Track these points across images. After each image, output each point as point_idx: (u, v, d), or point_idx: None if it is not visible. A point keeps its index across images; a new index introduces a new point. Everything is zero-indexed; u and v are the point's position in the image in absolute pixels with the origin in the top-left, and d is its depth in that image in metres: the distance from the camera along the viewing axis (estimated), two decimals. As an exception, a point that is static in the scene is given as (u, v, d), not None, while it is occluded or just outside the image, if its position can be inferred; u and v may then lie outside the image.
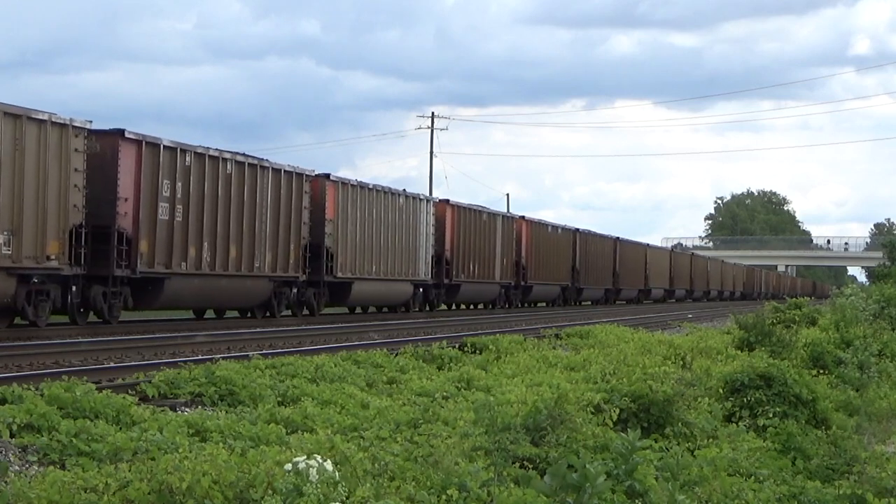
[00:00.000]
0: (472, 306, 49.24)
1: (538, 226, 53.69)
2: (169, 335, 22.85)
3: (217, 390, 12.63)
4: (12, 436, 9.35)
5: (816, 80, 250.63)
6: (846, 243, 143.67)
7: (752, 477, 11.14)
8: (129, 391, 12.42)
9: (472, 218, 45.15)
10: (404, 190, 39.71)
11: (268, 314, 31.98)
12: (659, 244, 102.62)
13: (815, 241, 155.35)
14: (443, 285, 42.86)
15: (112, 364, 16.37)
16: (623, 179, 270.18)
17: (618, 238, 67.10)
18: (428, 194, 42.48)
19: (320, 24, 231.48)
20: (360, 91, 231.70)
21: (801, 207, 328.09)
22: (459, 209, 44.15)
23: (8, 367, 15.08)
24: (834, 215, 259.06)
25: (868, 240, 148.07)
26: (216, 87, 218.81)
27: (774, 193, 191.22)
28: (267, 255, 30.65)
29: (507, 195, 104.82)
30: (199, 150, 27.77)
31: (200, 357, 16.88)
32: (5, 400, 10.64)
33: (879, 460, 13.44)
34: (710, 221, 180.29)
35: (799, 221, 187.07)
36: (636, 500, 8.75)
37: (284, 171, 31.64)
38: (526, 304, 53.81)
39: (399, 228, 38.87)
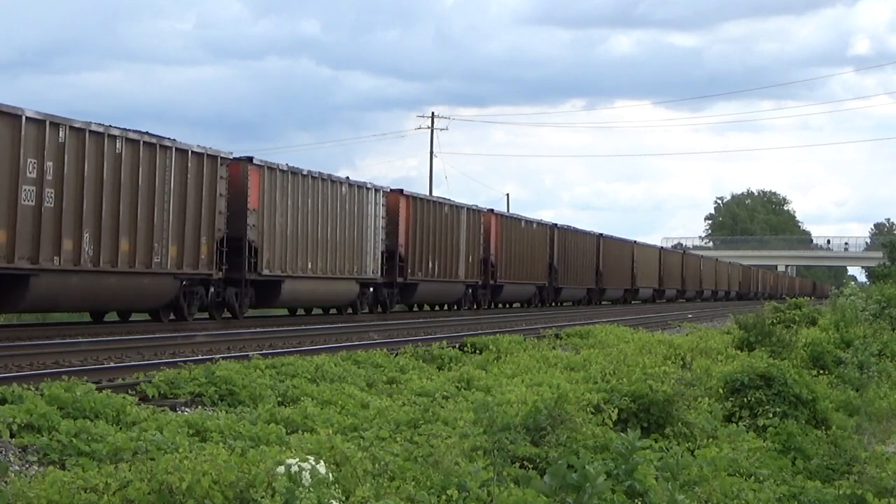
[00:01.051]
0: (435, 307, 45.47)
1: (510, 220, 50.25)
2: (169, 335, 22.85)
3: (217, 390, 12.63)
4: (12, 436, 9.35)
5: (816, 80, 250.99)
6: (846, 243, 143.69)
7: (752, 477, 11.14)
8: (129, 391, 12.42)
9: (430, 210, 41.28)
10: (347, 178, 35.98)
11: (177, 317, 28.18)
12: (657, 243, 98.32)
13: (815, 241, 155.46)
14: (396, 284, 38.90)
15: (112, 364, 16.36)
16: (623, 179, 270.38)
17: (601, 234, 63.67)
18: (376, 183, 37.41)
19: (320, 24, 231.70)
20: (359, 91, 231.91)
21: (801, 207, 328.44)
22: (415, 200, 40.29)
23: (8, 367, 15.07)
24: (834, 215, 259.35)
25: (868, 240, 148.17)
26: (216, 87, 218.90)
27: (774, 193, 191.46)
28: (171, 249, 26.69)
29: (507, 195, 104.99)
30: (78, 125, 23.72)
31: (200, 357, 16.87)
32: (5, 400, 10.63)
33: (879, 460, 13.44)
34: (710, 221, 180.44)
35: (799, 221, 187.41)
36: (636, 500, 8.76)
37: (193, 151, 27.37)
38: (497, 305, 50.55)
39: (342, 220, 34.90)
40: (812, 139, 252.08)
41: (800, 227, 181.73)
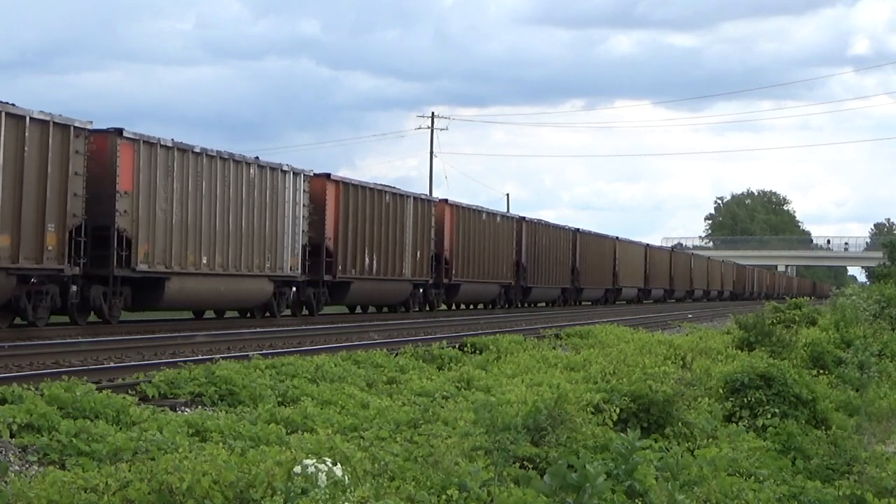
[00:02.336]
0: (383, 309, 41.47)
1: (467, 211, 45.00)
2: (169, 335, 22.85)
3: (217, 390, 12.63)
4: (12, 436, 9.35)
5: (816, 80, 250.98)
6: (846, 243, 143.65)
7: (752, 477, 11.14)
8: (129, 391, 12.43)
9: (367, 198, 36.64)
10: (257, 158, 30.57)
11: (27, 322, 23.33)
12: (653, 242, 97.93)
13: (815, 241, 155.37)
14: (324, 283, 34.21)
15: (112, 364, 16.37)
16: (623, 179, 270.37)
17: (577, 229, 59.51)
18: (299, 169, 32.61)
19: (320, 24, 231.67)
20: (359, 91, 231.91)
21: (801, 207, 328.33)
22: (347, 186, 35.43)
23: (8, 367, 15.08)
24: (834, 215, 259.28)
25: (868, 240, 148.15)
26: (216, 88, 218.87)
27: (774, 193, 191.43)
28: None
29: (507, 195, 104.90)
30: None
31: (200, 357, 16.88)
32: (5, 400, 10.64)
33: (879, 460, 13.45)
34: (710, 221, 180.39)
35: (799, 221, 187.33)
36: (636, 500, 8.75)
37: (33, 118, 22.37)
38: (458, 307, 47.39)
39: (249, 208, 29.84)
40: (812, 139, 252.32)
41: (800, 227, 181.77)
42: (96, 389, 11.06)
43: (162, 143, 26.45)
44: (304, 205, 32.50)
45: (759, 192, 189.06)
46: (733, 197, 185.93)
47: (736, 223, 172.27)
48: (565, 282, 56.69)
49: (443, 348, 18.81)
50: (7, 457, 8.82)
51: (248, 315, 32.30)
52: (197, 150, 27.66)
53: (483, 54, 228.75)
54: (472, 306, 48.66)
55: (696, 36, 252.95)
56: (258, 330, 26.15)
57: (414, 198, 40.32)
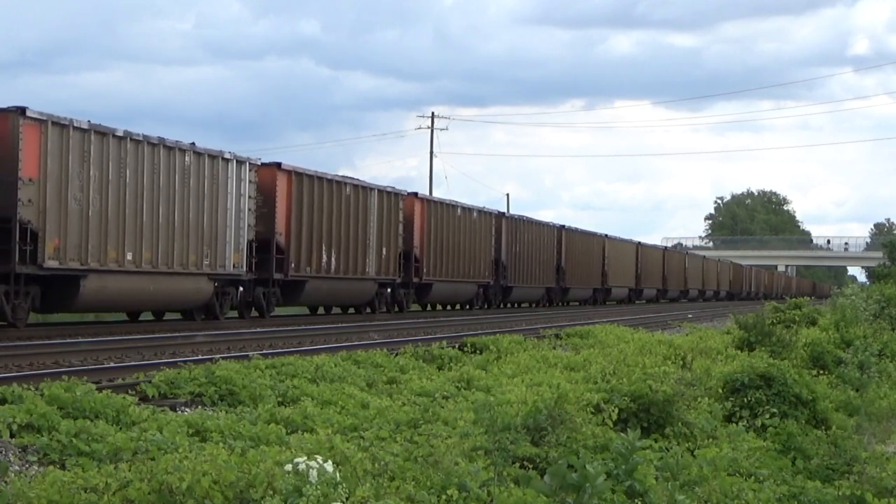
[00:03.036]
0: (349, 310, 38.55)
1: (440, 206, 42.06)
2: (169, 335, 22.84)
3: (217, 390, 12.64)
4: (12, 436, 9.35)
5: (816, 80, 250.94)
6: (846, 243, 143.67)
7: (752, 477, 11.14)
8: (129, 391, 12.43)
9: (324, 191, 33.83)
10: (193, 144, 27.86)
11: None
12: (654, 242, 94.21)
13: (815, 241, 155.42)
14: (273, 282, 31.53)
15: (112, 364, 16.37)
16: (623, 179, 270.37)
17: (563, 226, 56.74)
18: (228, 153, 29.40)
19: (320, 25, 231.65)
20: (359, 91, 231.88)
21: (801, 207, 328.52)
22: (301, 177, 32.56)
23: (8, 367, 15.07)
24: (834, 215, 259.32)
25: (868, 240, 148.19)
26: (216, 88, 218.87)
27: (774, 193, 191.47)
28: None
29: (507, 195, 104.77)
30: None
31: (200, 357, 16.87)
32: (5, 400, 10.64)
33: (879, 460, 13.44)
34: (710, 221, 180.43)
35: (799, 221, 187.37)
36: (636, 500, 8.76)
37: None
38: (433, 307, 44.97)
39: (184, 199, 27.15)
40: (812, 139, 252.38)
41: (800, 227, 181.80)
42: (96, 389, 11.06)
43: (76, 124, 23.60)
44: (249, 196, 29.72)
45: (759, 192, 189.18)
46: (733, 197, 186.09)
47: (736, 223, 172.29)
48: (550, 281, 53.93)
49: (443, 348, 18.81)
50: (7, 457, 8.82)
51: (188, 317, 29.36)
52: (119, 133, 24.91)
53: (483, 54, 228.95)
54: (447, 307, 46.43)
55: (696, 36, 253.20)
56: (258, 330, 26.12)
57: (378, 190, 37.49)
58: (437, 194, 61.87)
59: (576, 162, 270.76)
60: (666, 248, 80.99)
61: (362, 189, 36.37)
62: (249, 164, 29.81)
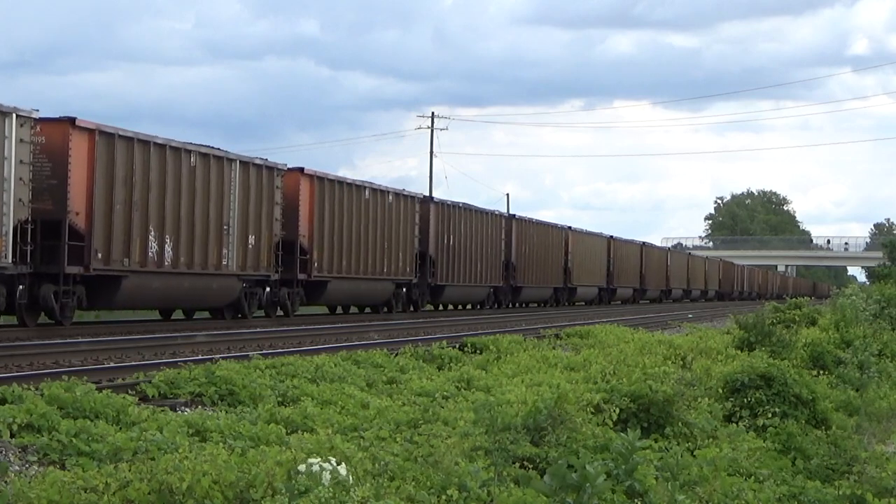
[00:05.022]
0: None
1: (338, 186, 34.62)
2: (169, 335, 22.84)
3: (217, 390, 12.64)
4: (12, 436, 9.35)
5: (815, 80, 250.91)
6: (846, 243, 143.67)
7: (752, 477, 11.14)
8: (129, 391, 12.42)
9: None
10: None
11: None
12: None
13: (815, 241, 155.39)
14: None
15: (112, 364, 16.37)
16: (623, 179, 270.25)
17: (513, 216, 50.31)
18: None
19: (319, 24, 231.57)
20: (359, 91, 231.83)
21: (801, 207, 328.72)
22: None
23: (8, 367, 15.08)
24: (834, 215, 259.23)
25: (868, 240, 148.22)
26: (215, 88, 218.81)
27: (774, 193, 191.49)
28: None
29: (507, 195, 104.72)
30: None
31: (200, 357, 16.88)
32: (5, 400, 10.63)
33: (879, 460, 13.45)
34: (710, 221, 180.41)
35: (799, 221, 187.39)
36: (636, 500, 8.76)
37: None
38: (346, 310, 39.19)
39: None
40: (812, 139, 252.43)
41: (800, 227, 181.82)
42: (96, 389, 11.06)
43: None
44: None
45: (759, 192, 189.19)
46: (733, 197, 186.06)
47: (736, 223, 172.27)
48: (496, 279, 47.67)
49: (443, 348, 18.81)
50: (7, 457, 8.82)
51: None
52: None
53: (482, 54, 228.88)
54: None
55: (696, 36, 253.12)
56: (258, 330, 26.13)
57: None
58: (436, 194, 61.83)
59: (576, 162, 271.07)
60: (644, 243, 73.40)
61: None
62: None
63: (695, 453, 11.32)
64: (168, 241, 26.37)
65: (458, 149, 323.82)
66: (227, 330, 25.52)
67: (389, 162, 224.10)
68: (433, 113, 77.85)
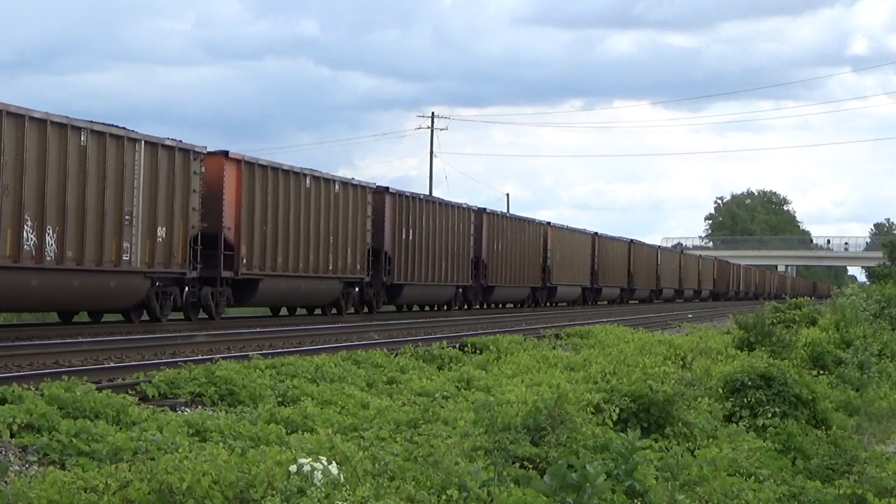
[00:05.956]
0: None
1: (270, 172, 30.70)
2: (169, 335, 22.83)
3: (217, 390, 12.64)
4: (12, 436, 9.35)
5: (815, 80, 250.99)
6: (846, 243, 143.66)
7: (752, 477, 11.15)
8: (129, 391, 12.42)
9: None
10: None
11: None
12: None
13: (815, 241, 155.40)
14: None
15: (112, 364, 16.36)
16: (623, 179, 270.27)
17: (483, 210, 46.24)
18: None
19: (319, 25, 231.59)
20: (359, 91, 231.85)
21: (801, 207, 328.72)
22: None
23: (8, 367, 15.07)
24: (834, 215, 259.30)
25: (868, 240, 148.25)
26: (215, 88, 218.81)
27: (774, 193, 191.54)
28: None
29: (507, 195, 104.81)
30: None
31: (200, 357, 16.88)
32: (5, 400, 10.63)
33: (879, 460, 13.45)
34: (710, 221, 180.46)
35: (799, 221, 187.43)
36: (636, 500, 8.76)
37: None
38: (296, 313, 35.53)
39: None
40: (812, 139, 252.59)
41: (800, 227, 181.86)
42: (96, 389, 11.06)
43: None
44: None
45: (759, 192, 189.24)
46: (733, 197, 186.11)
47: (736, 223, 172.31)
48: (464, 278, 43.88)
49: (443, 348, 18.81)
50: (7, 457, 8.81)
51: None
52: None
53: (482, 54, 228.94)
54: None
55: (695, 36, 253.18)
56: (258, 330, 26.13)
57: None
58: (437, 194, 60.93)
59: (576, 162, 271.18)
60: (632, 240, 69.00)
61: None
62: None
63: (695, 453, 11.33)
64: (50, 232, 22.62)
65: (458, 149, 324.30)
66: (224, 330, 25.53)
67: (389, 162, 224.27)
68: (433, 113, 77.91)
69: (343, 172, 35.81)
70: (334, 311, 34.90)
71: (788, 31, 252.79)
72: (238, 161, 29.33)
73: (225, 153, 29.02)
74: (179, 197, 26.47)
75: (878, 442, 16.76)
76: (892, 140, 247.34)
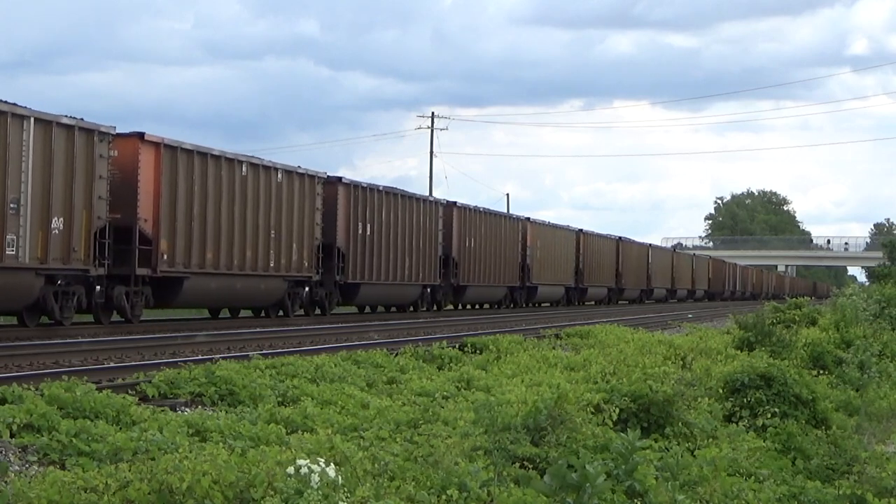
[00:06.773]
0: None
1: (195, 158, 27.40)
2: (169, 335, 22.83)
3: (217, 390, 12.64)
4: (12, 436, 9.35)
5: (815, 80, 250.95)
6: (846, 243, 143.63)
7: (752, 477, 11.15)
8: (129, 391, 12.42)
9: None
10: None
11: None
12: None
13: (815, 241, 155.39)
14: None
15: (112, 364, 16.37)
16: (623, 179, 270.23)
17: (454, 203, 43.54)
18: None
19: (319, 25, 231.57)
20: (359, 91, 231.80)
21: (801, 207, 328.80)
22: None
23: (8, 367, 15.08)
24: (834, 215, 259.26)
25: (868, 240, 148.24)
26: (215, 88, 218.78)
27: (774, 193, 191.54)
28: None
29: (507, 195, 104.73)
30: None
31: (200, 357, 16.88)
32: (5, 400, 10.64)
33: (879, 460, 13.46)
34: (710, 221, 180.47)
35: (799, 221, 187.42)
36: (636, 500, 8.76)
37: None
38: (226, 316, 32.32)
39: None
40: (812, 139, 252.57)
41: (800, 227, 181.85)
42: (96, 389, 11.06)
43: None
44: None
45: (759, 192, 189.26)
46: (733, 197, 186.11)
47: (736, 223, 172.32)
48: (429, 277, 40.96)
49: (443, 348, 18.81)
50: (7, 457, 8.81)
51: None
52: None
53: (482, 54, 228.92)
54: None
55: (695, 36, 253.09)
56: (258, 330, 26.12)
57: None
58: (437, 194, 59.86)
59: (576, 162, 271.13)
60: (620, 238, 65.77)
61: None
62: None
63: (695, 453, 11.33)
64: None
65: (458, 149, 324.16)
66: (228, 330, 25.55)
67: (389, 162, 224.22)
68: (433, 113, 77.84)
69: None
70: (280, 312, 32.29)
71: (788, 31, 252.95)
72: (157, 144, 26.01)
73: (140, 135, 25.60)
74: (81, 183, 23.06)
75: (878, 442, 16.76)
76: (892, 140, 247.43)
